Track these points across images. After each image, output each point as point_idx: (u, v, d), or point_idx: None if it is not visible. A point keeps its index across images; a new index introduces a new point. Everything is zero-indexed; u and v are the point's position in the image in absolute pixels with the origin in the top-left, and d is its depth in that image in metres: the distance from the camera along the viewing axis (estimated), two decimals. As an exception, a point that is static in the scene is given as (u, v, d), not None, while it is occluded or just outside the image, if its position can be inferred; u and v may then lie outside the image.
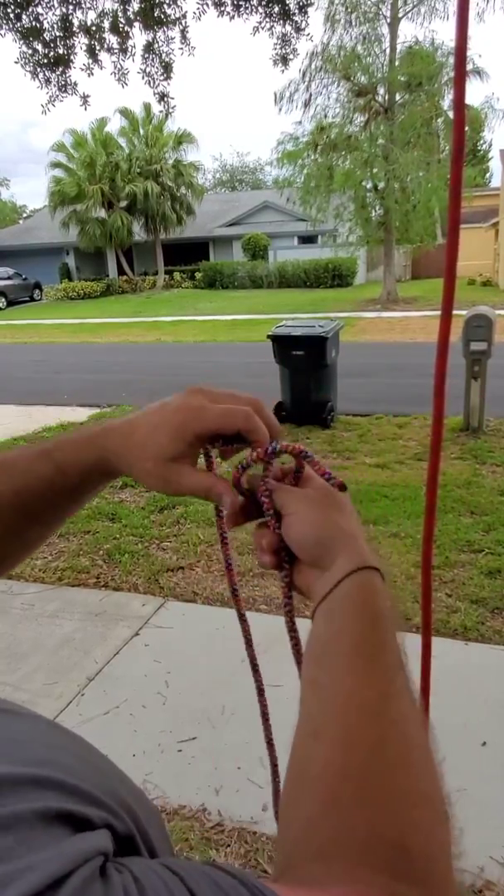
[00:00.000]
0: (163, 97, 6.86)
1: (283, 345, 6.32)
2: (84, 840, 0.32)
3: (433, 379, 0.73)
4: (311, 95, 19.46)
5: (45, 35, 6.32)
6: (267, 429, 0.58)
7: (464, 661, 2.79)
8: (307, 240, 29.23)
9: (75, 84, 6.62)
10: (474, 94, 22.33)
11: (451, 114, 18.63)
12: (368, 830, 0.35)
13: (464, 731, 2.33)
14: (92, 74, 6.58)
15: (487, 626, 3.02)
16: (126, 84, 6.80)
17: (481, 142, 37.21)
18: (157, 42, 6.52)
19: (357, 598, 0.49)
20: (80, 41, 6.48)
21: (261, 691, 0.69)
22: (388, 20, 18.76)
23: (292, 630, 0.61)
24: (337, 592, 0.50)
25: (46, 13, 6.23)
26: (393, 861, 0.35)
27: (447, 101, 18.64)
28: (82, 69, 6.59)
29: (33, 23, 6.22)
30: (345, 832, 0.36)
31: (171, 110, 7.07)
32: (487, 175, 37.03)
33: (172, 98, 6.89)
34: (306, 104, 19.61)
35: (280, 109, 21.98)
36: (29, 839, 0.30)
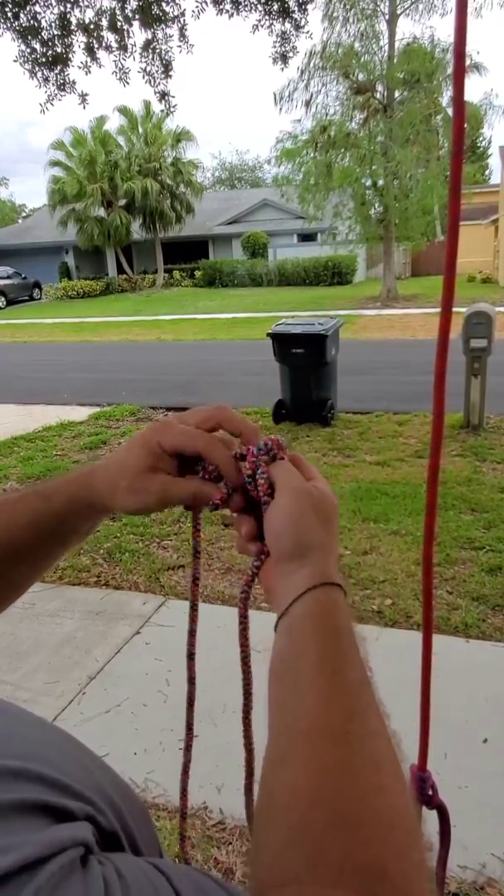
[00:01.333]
0: (164, 96, 6.85)
1: (282, 343, 6.32)
2: (62, 830, 0.32)
3: (433, 376, 0.72)
4: (311, 95, 19.45)
5: (42, 33, 6.31)
6: (241, 428, 0.60)
7: (465, 658, 2.79)
8: (307, 238, 29.20)
9: (74, 82, 6.62)
10: (473, 90, 22.34)
11: (450, 111, 18.61)
12: (342, 854, 0.35)
13: (465, 729, 2.34)
14: (90, 73, 6.57)
15: (488, 624, 3.02)
16: (127, 83, 6.80)
17: (480, 138, 37.15)
18: (157, 40, 6.51)
19: (317, 615, 0.48)
20: (79, 39, 6.47)
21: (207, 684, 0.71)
22: (387, 17, 18.73)
23: (243, 616, 0.64)
24: (297, 607, 0.50)
25: (44, 11, 6.22)
26: (369, 884, 0.34)
27: (446, 98, 18.61)
28: (80, 67, 6.58)
29: (31, 21, 6.21)
30: (318, 857, 0.35)
31: (172, 109, 7.06)
32: (487, 172, 37.01)
33: (173, 97, 6.89)
34: (307, 103, 19.59)
35: (280, 109, 21.92)
36: (4, 827, 0.30)
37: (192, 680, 0.72)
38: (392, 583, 3.41)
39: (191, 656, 0.72)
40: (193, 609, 0.72)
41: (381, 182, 19.61)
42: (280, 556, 0.54)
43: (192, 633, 0.72)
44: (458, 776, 2.11)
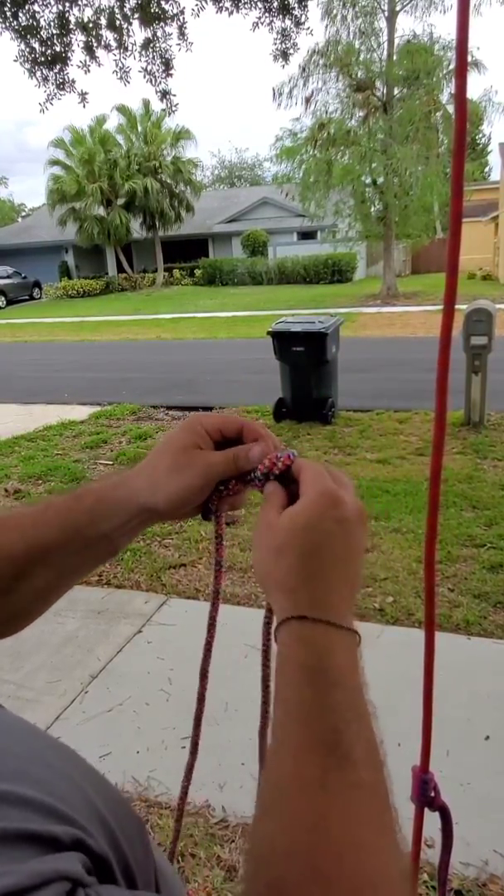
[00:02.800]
0: (165, 94, 6.85)
1: (283, 341, 6.32)
2: (46, 862, 0.31)
3: (435, 374, 0.72)
4: (312, 92, 19.43)
5: (41, 32, 6.31)
6: (262, 436, 0.60)
7: (467, 655, 2.79)
8: (306, 236, 29.18)
9: (73, 81, 6.62)
10: (473, 87, 22.29)
11: (449, 108, 18.59)
12: None
13: (467, 726, 2.34)
14: (89, 72, 6.57)
15: (490, 621, 3.02)
16: (128, 82, 6.80)
17: (480, 135, 37.12)
18: (156, 39, 6.51)
19: (290, 655, 0.45)
20: (78, 38, 6.47)
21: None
22: (387, 14, 18.70)
23: (265, 646, 0.62)
24: (279, 645, 0.47)
25: (43, 11, 6.22)
26: None
27: (446, 95, 18.59)
28: (79, 66, 6.57)
29: (30, 20, 6.21)
30: None
31: (173, 108, 7.05)
32: (487, 169, 36.96)
33: (174, 95, 6.89)
34: (307, 100, 19.56)
35: (279, 105, 21.88)
36: None
37: (204, 674, 0.71)
38: (393, 580, 3.41)
39: (204, 674, 0.71)
40: (212, 623, 0.71)
41: (380, 180, 19.59)
42: (273, 569, 0.50)
43: (211, 626, 0.71)
44: (460, 773, 2.11)
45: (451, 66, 18.03)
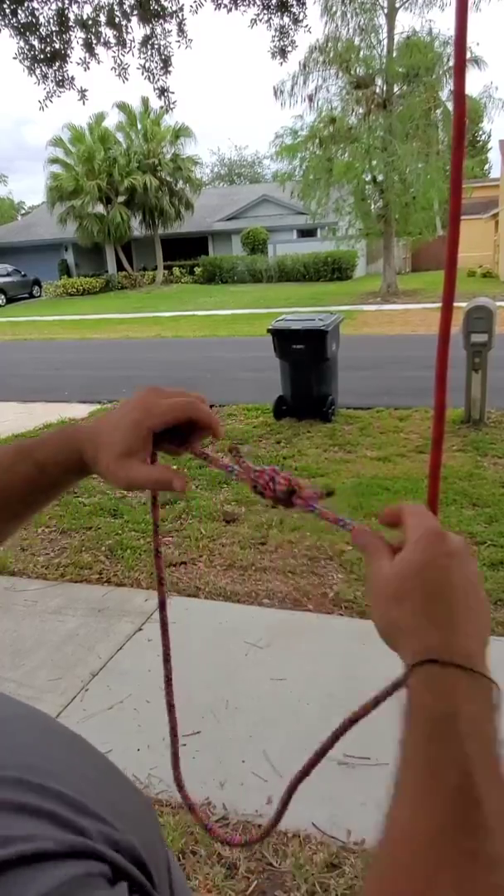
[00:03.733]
0: (163, 92, 6.84)
1: (283, 339, 6.31)
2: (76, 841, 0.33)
3: (435, 371, 0.72)
4: (314, 90, 19.39)
5: (41, 30, 6.30)
6: (211, 424, 0.64)
7: (467, 653, 2.79)
8: (306, 233, 29.14)
9: (72, 79, 6.61)
10: (472, 83, 22.20)
11: (449, 105, 18.54)
12: None
13: (467, 723, 2.34)
14: (88, 69, 6.57)
15: (491, 619, 3.02)
16: (126, 79, 6.79)
17: (480, 132, 37.08)
18: (155, 36, 6.50)
19: (417, 702, 0.42)
20: (77, 35, 6.46)
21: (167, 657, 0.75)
22: (386, 10, 18.65)
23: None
24: (408, 692, 0.44)
25: (42, 8, 6.21)
26: None
27: (446, 92, 18.54)
28: (79, 63, 6.57)
29: (29, 18, 6.20)
30: None
31: (171, 105, 7.05)
32: (487, 166, 36.88)
33: (173, 93, 6.88)
34: (310, 98, 19.53)
35: (282, 103, 21.84)
36: (14, 820, 0.33)
37: (167, 658, 0.76)
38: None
39: (164, 631, 0.77)
40: (160, 583, 0.75)
41: (381, 177, 19.56)
42: (405, 603, 0.48)
43: (162, 607, 0.76)
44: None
45: (451, 63, 18.00)
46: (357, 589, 3.33)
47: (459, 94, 0.72)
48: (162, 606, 0.74)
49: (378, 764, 2.19)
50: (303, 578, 3.49)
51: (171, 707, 0.73)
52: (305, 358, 6.28)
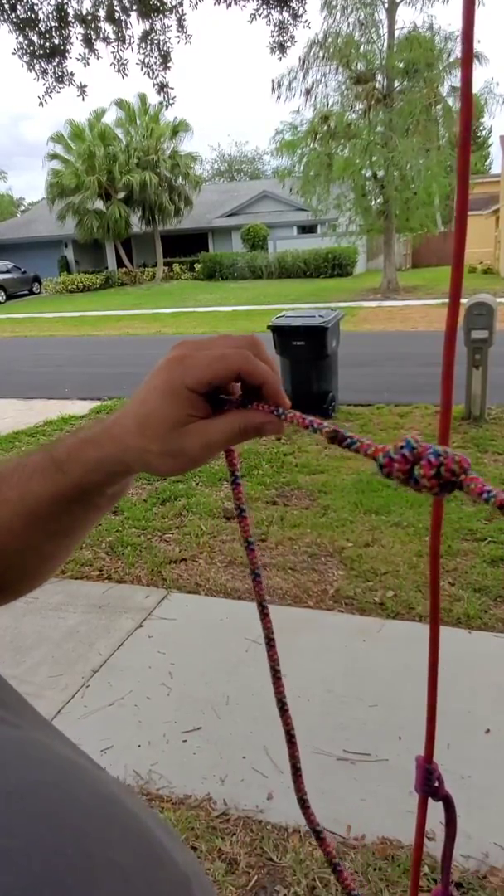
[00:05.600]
0: (162, 87, 6.82)
1: (283, 335, 6.30)
2: None
3: (436, 368, 0.72)
4: (312, 84, 19.33)
5: (40, 25, 6.27)
6: (266, 380, 0.48)
7: (467, 649, 2.80)
8: (307, 229, 29.09)
9: (72, 74, 6.59)
10: (474, 79, 22.09)
11: (450, 100, 18.51)
12: None
13: (468, 719, 2.34)
14: (88, 64, 6.54)
15: (490, 615, 3.02)
16: (126, 75, 6.75)
17: (481, 128, 36.94)
18: (155, 31, 6.47)
19: None
20: (76, 31, 6.43)
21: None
22: (386, 5, 18.58)
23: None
24: None
25: (41, 3, 6.18)
26: None
27: (446, 88, 18.49)
28: (78, 59, 6.54)
29: (28, 13, 6.17)
30: None
31: (171, 101, 7.02)
32: (488, 162, 36.82)
33: (172, 88, 6.85)
34: (308, 92, 19.47)
35: (278, 98, 21.75)
36: None
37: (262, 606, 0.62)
38: (394, 574, 3.41)
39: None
40: (256, 578, 0.61)
41: (381, 173, 19.51)
42: None
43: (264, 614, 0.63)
44: (460, 766, 2.11)
45: (452, 58, 17.94)
46: (357, 586, 3.33)
47: (466, 89, 0.72)
48: (264, 616, 0.62)
49: (378, 760, 2.20)
50: (303, 575, 3.49)
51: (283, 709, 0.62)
52: (305, 354, 6.28)
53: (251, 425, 0.48)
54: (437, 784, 0.76)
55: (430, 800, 0.80)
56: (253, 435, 0.48)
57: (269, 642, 0.60)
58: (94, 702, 2.58)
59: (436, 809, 0.81)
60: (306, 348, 6.23)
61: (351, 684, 2.59)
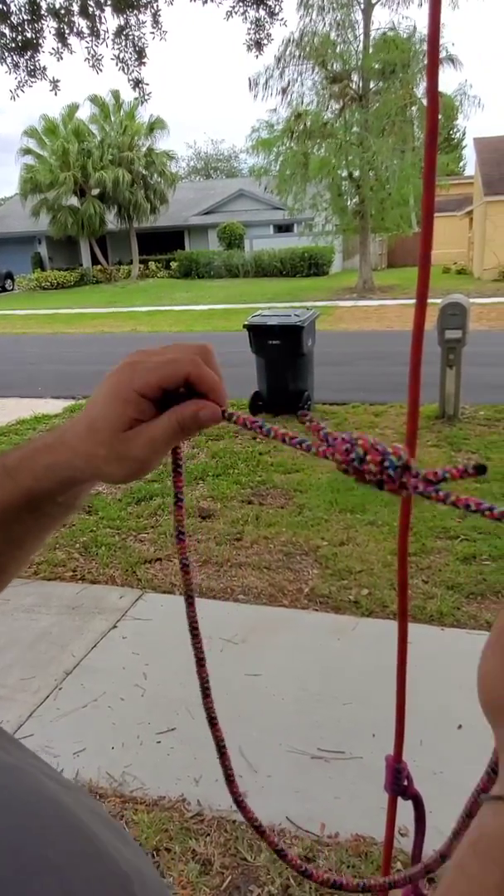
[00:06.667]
0: (137, 83, 6.76)
1: (259, 334, 6.30)
2: None
3: (409, 367, 0.72)
4: (288, 83, 19.37)
5: (12, 18, 6.18)
6: (213, 388, 0.49)
7: (440, 646, 2.82)
8: (283, 228, 29.15)
9: (44, 69, 6.50)
10: (448, 81, 22.41)
11: (425, 101, 18.65)
12: None
13: (440, 715, 2.36)
14: (61, 59, 6.47)
15: (463, 612, 3.06)
16: (100, 70, 6.69)
17: (455, 130, 37.34)
18: (129, 27, 6.42)
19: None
20: (49, 25, 6.35)
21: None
22: (362, 6, 18.68)
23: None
24: (490, 816, 0.34)
25: (13, -5, 6.09)
26: None
27: (421, 89, 18.64)
28: (52, 53, 6.46)
29: (0, 6, 6.07)
30: None
31: (146, 97, 6.97)
32: (462, 163, 37.16)
33: (147, 84, 6.80)
34: (284, 91, 19.50)
35: (255, 96, 21.79)
36: None
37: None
38: (368, 573, 3.43)
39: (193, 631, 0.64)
40: (184, 567, 0.61)
41: (357, 173, 19.63)
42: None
43: (190, 603, 0.63)
44: (433, 762, 2.13)
45: (427, 60, 18.09)
46: (332, 584, 3.34)
47: (432, 92, 0.72)
48: (190, 602, 0.62)
49: (352, 758, 2.21)
50: (278, 574, 3.49)
51: (212, 721, 0.63)
52: (281, 353, 6.28)
53: (187, 415, 0.47)
54: (406, 783, 0.77)
55: (400, 799, 0.80)
56: (192, 426, 0.48)
57: (194, 631, 0.62)
58: (67, 704, 2.55)
59: (409, 805, 0.82)
60: (282, 347, 6.23)
61: (325, 683, 2.60)
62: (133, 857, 0.39)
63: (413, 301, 0.69)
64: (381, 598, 3.19)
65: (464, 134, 38.98)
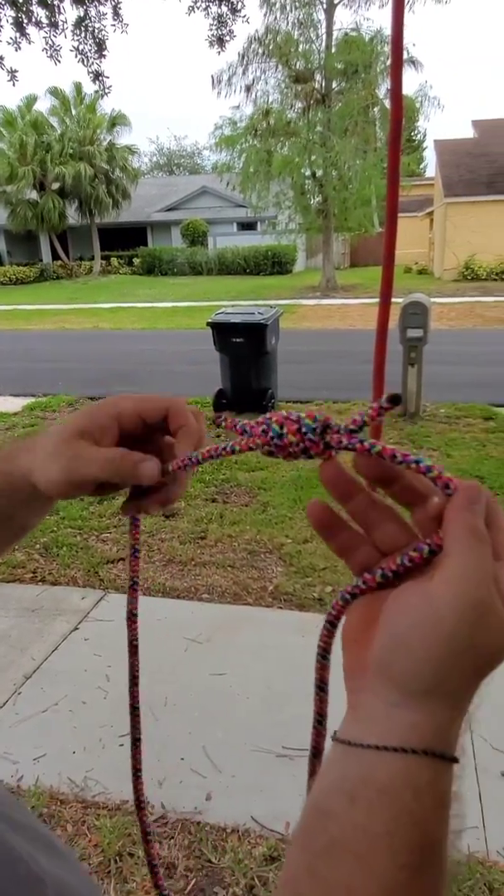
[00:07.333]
0: (98, 76, 6.65)
1: (222, 332, 6.28)
2: None
3: (373, 366, 0.71)
4: (252, 81, 19.36)
5: (-33, 5, 6.01)
6: (187, 424, 0.49)
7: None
8: (247, 226, 29.14)
9: (1, 58, 6.34)
10: (408, 83, 22.67)
11: (387, 102, 18.86)
12: None
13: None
14: (20, 49, 6.31)
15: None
16: (59, 61, 6.55)
17: (416, 131, 37.85)
18: (89, 18, 6.31)
19: (404, 807, 0.32)
20: (6, 13, 6.20)
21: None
22: (324, 5, 18.78)
23: (323, 654, 0.47)
24: (378, 766, 0.34)
25: (-31, -19, 5.92)
26: None
27: (383, 90, 18.86)
28: (9, 43, 6.31)
29: (-45, -9, 5.90)
30: None
31: (106, 90, 6.86)
32: (423, 164, 37.75)
33: (108, 77, 6.70)
34: (248, 90, 19.48)
35: (218, 93, 21.72)
36: None
37: (134, 684, 0.62)
38: (332, 570, 3.45)
39: (133, 673, 0.62)
40: (132, 619, 0.61)
41: (320, 172, 19.74)
42: (393, 676, 0.35)
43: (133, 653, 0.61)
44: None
45: (389, 62, 18.29)
46: (296, 582, 3.35)
47: (396, 92, 0.71)
48: (132, 618, 0.61)
49: (317, 755, 2.21)
50: (242, 572, 3.48)
51: (136, 741, 0.62)
52: (245, 351, 6.27)
53: (128, 460, 0.47)
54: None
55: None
56: (126, 471, 0.47)
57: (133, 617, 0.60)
58: (27, 709, 2.49)
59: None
60: (246, 345, 6.22)
61: (290, 680, 2.59)
62: (56, 862, 0.42)
63: (376, 300, 0.68)
64: (345, 595, 3.20)
65: (424, 135, 39.57)
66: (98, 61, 6.43)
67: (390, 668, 0.35)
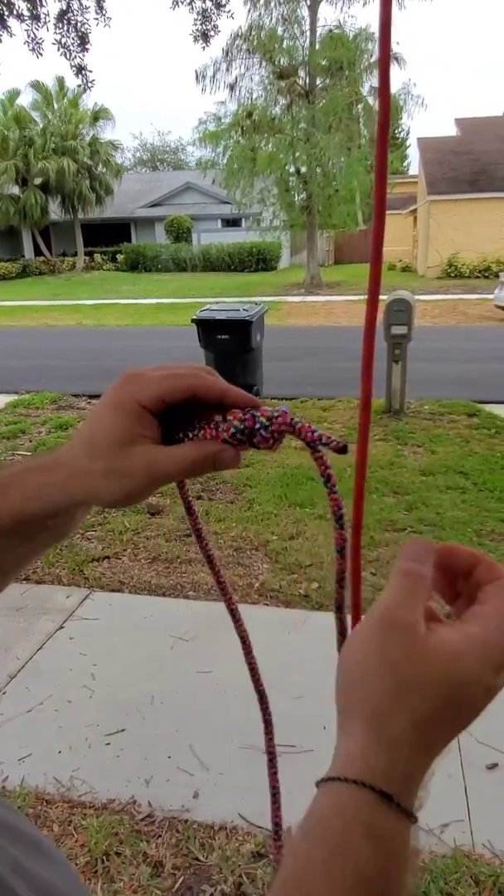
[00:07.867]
0: (80, 70, 6.60)
1: (207, 329, 6.26)
2: None
3: (359, 362, 0.71)
4: (236, 77, 19.30)
5: None
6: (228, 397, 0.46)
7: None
8: (231, 223, 29.08)
9: (-17, 50, 6.26)
10: (392, 80, 22.62)
11: (370, 99, 18.91)
12: None
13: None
14: (0, 41, 6.24)
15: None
16: (41, 54, 6.48)
17: (399, 129, 37.95)
18: (72, 11, 6.25)
19: (338, 841, 0.33)
20: (-13, 5, 6.12)
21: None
22: (308, 2, 18.75)
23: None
24: (322, 794, 0.35)
25: None
26: None
27: (367, 87, 18.89)
28: (-10, 35, 6.23)
29: None
30: None
31: (89, 84, 6.81)
32: (406, 162, 37.90)
33: (91, 71, 6.65)
34: (232, 87, 19.41)
35: (203, 89, 21.66)
36: None
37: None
38: (318, 566, 3.45)
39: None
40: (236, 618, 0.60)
41: (304, 169, 19.74)
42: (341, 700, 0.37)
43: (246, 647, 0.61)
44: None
45: (373, 59, 18.33)
46: (282, 578, 3.35)
47: (384, 88, 0.71)
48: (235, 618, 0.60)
49: (303, 751, 2.21)
50: (228, 569, 3.48)
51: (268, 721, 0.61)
52: (230, 348, 6.26)
53: (206, 455, 0.45)
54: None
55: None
56: (208, 467, 0.45)
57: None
58: (12, 709, 2.47)
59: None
60: (231, 342, 6.21)
61: (276, 677, 2.59)
62: (41, 868, 0.43)
63: (360, 297, 0.68)
64: (331, 592, 3.20)
65: (408, 133, 39.70)
66: (81, 55, 6.38)
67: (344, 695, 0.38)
